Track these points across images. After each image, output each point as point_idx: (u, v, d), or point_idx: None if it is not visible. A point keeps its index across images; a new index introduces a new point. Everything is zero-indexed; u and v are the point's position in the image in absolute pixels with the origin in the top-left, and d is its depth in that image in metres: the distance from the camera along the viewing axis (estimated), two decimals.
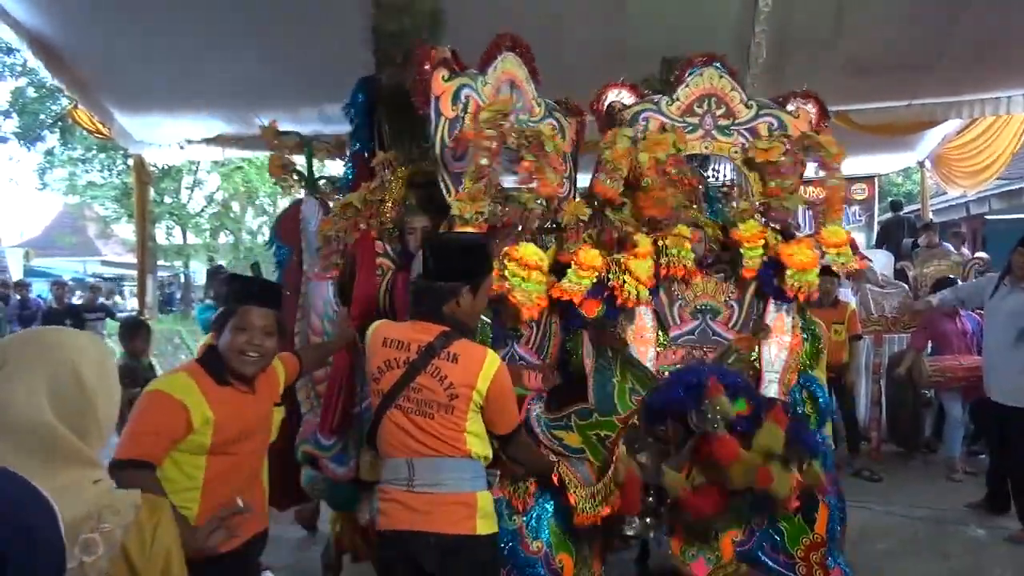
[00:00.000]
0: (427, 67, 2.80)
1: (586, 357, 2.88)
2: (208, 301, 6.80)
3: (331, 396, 3.09)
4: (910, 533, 4.77)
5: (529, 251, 2.78)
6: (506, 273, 2.72)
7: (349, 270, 3.17)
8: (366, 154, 3.50)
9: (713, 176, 3.69)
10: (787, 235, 3.19)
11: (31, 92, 15.91)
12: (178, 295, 22.24)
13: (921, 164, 9.80)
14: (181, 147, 7.60)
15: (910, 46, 5.80)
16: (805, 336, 3.30)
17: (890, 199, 12.05)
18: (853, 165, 9.81)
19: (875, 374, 6.62)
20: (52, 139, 16.74)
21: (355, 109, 3.58)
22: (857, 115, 7.14)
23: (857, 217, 10.11)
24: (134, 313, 9.16)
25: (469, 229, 2.76)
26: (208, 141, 7.58)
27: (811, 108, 3.40)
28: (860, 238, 9.92)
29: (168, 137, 7.51)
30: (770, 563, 3.04)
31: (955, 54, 5.84)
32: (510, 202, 2.81)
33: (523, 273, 2.74)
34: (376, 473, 2.56)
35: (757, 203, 3.19)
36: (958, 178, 9.34)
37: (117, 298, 20.73)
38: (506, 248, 2.78)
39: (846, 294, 6.65)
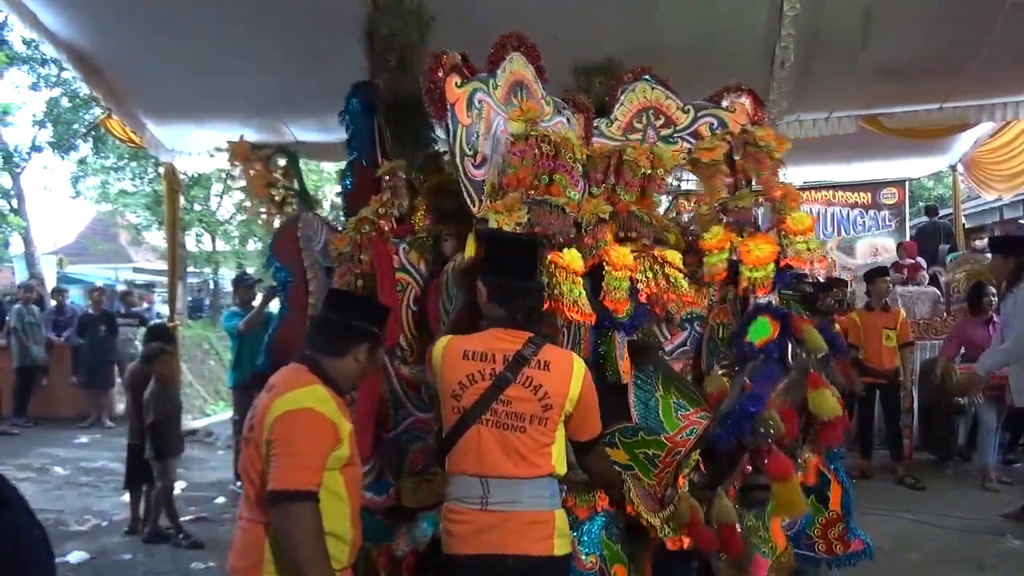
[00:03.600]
0: (440, 73, 2.72)
1: (619, 360, 2.79)
2: (234, 308, 6.84)
3: (363, 421, 2.96)
4: (943, 543, 4.69)
5: (574, 257, 2.68)
6: (554, 281, 2.62)
7: (370, 286, 3.09)
8: (365, 163, 3.44)
9: (675, 184, 3.69)
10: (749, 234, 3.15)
11: (65, 102, 16.19)
12: (207, 301, 22.49)
13: (953, 168, 9.65)
14: (211, 155, 7.69)
15: (942, 47, 5.72)
16: None
17: (924, 204, 11.87)
18: (883, 169, 9.71)
19: (908, 381, 6.55)
20: (85, 148, 17.01)
21: (351, 116, 3.48)
22: (887, 118, 7.06)
23: (887, 222, 9.97)
24: (163, 320, 9.32)
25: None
26: (229, 146, 7.67)
27: (746, 101, 3.38)
28: (890, 243, 9.79)
29: (198, 146, 7.64)
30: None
31: (990, 55, 5.74)
32: (543, 208, 2.73)
33: (571, 281, 2.64)
34: (419, 499, 2.54)
35: (716, 206, 3.16)
36: (993, 182, 9.19)
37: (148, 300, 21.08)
38: (550, 256, 2.66)
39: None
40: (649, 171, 2.96)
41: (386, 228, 3.13)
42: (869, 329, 6.37)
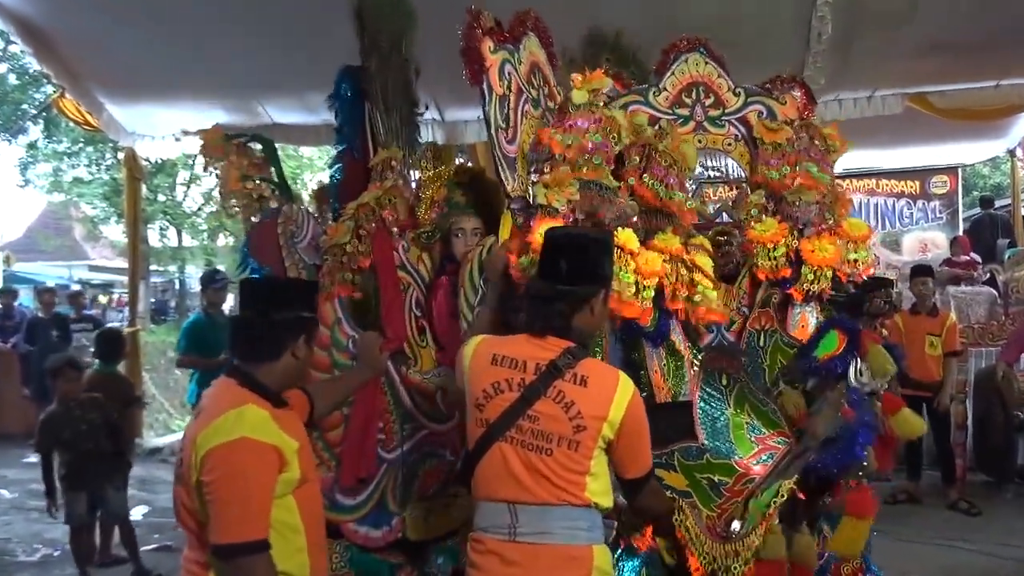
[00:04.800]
0: (478, 31, 2.71)
1: (652, 372, 2.77)
2: (198, 310, 6.85)
3: (357, 439, 2.96)
4: None
5: (629, 237, 2.67)
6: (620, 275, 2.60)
7: (367, 284, 3.10)
8: (355, 155, 3.47)
9: (715, 173, 3.70)
10: (803, 232, 3.18)
11: (12, 80, 16.26)
12: (172, 303, 22.55)
13: (1011, 153, 9.65)
14: (177, 139, 7.72)
15: (1000, 18, 5.71)
16: None
17: (979, 194, 11.85)
18: (933, 154, 9.71)
19: (960, 393, 6.54)
20: (35, 131, 17.09)
21: (340, 103, 3.51)
22: (937, 98, 7.07)
23: (937, 214, 9.96)
24: (123, 323, 9.33)
25: (554, 222, 2.62)
26: (200, 135, 7.70)
27: (797, 94, 3.41)
28: (940, 238, 9.79)
29: (162, 128, 7.66)
30: None
31: None
32: (594, 191, 2.71)
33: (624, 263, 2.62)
34: (429, 529, 2.51)
35: (765, 197, 3.18)
36: None
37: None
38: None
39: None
40: (679, 164, 2.99)
41: (389, 218, 3.14)
42: (912, 334, 6.35)
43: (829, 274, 2.96)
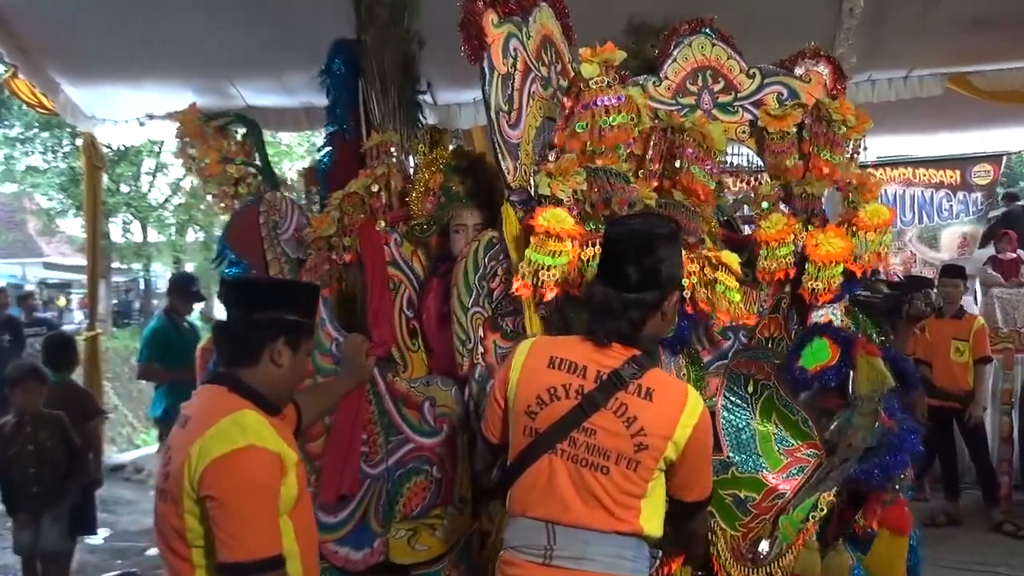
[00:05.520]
0: (479, 3, 2.71)
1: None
2: (160, 314, 6.78)
3: (339, 452, 2.95)
4: None
5: None
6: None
7: (353, 281, 3.11)
8: (347, 137, 3.47)
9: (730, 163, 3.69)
10: (816, 225, 3.16)
11: None
12: (136, 305, 22.53)
13: None
14: (141, 123, 7.67)
15: None
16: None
17: (1005, 190, 11.80)
18: (975, 141, 9.68)
19: (1005, 404, 6.54)
20: None
21: (332, 79, 3.52)
22: (979, 79, 7.04)
23: (979, 207, 9.94)
24: (81, 327, 9.27)
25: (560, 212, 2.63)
26: (175, 116, 7.68)
27: (824, 70, 3.38)
28: (982, 233, 9.75)
29: (126, 112, 7.61)
30: None
31: None
32: (603, 178, 2.71)
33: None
34: (415, 552, 2.50)
35: (777, 188, 3.17)
36: None
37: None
38: None
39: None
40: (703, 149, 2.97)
41: (377, 206, 3.13)
42: (937, 340, 6.36)
43: (838, 270, 2.94)
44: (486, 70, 2.73)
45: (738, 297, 2.75)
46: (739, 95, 3.28)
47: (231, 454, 1.98)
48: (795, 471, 2.68)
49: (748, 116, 3.28)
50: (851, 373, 2.69)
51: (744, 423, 2.73)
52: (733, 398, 2.77)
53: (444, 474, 2.91)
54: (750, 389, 2.77)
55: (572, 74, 3.19)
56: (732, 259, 2.78)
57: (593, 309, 2.26)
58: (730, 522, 2.64)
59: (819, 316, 3.07)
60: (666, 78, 3.26)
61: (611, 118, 2.72)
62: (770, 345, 3.03)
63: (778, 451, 2.70)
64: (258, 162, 3.54)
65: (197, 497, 1.99)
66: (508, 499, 2.27)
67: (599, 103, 2.73)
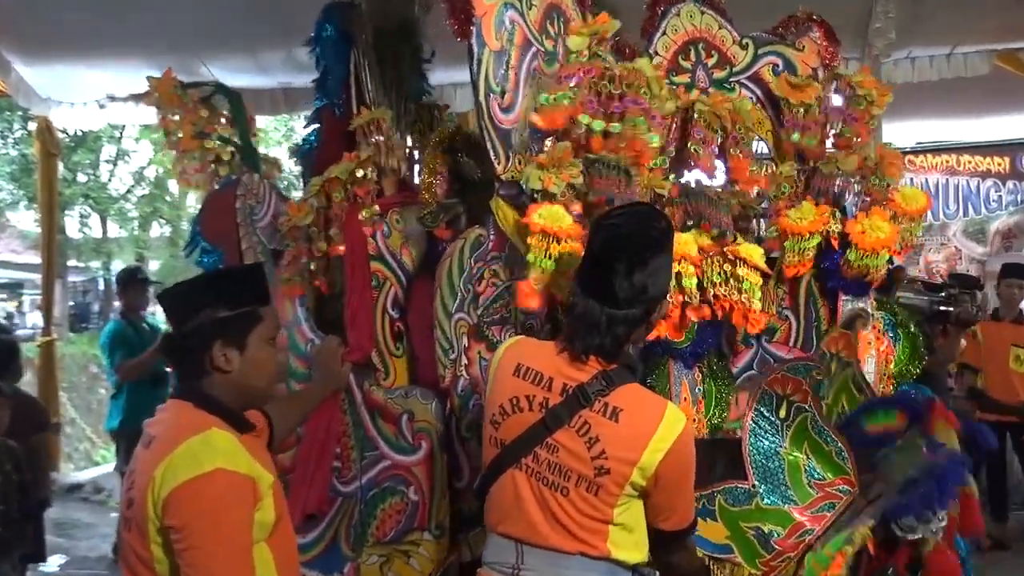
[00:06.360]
0: None
1: (681, 399, 2.77)
2: (116, 317, 6.78)
3: (308, 467, 2.96)
4: None
5: (689, 241, 2.70)
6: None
7: (337, 279, 3.10)
8: (338, 112, 3.47)
9: None
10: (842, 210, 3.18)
11: None
12: (96, 307, 22.50)
13: None
14: (101, 106, 7.69)
15: None
16: (894, 335, 3.25)
17: None
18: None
19: None
20: None
21: (323, 47, 3.50)
22: None
23: None
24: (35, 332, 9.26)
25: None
26: (137, 98, 7.68)
27: (816, 35, 3.38)
28: None
29: (84, 93, 7.63)
30: None
31: None
32: (600, 170, 2.70)
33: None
34: None
35: (796, 169, 3.18)
36: None
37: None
38: None
39: None
40: (729, 128, 2.98)
41: (362, 194, 3.11)
42: (993, 345, 6.35)
43: (884, 258, 2.97)
44: (475, 47, 2.70)
45: (759, 303, 2.78)
46: (734, 69, 3.28)
47: (197, 479, 1.95)
48: (825, 507, 2.67)
49: (746, 92, 3.28)
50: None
51: (773, 450, 2.72)
52: (762, 422, 2.75)
53: (420, 496, 2.91)
54: (782, 413, 2.75)
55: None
56: (754, 252, 2.79)
57: (573, 321, 2.24)
58: (750, 559, 2.64)
59: (848, 311, 3.08)
60: (657, 54, 3.24)
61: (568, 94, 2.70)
62: (834, 363, 3.02)
63: (807, 483, 2.69)
64: (238, 139, 3.53)
65: (161, 526, 1.97)
66: (484, 512, 2.32)
67: (567, 77, 2.73)
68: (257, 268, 2.48)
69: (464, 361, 2.86)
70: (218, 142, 3.40)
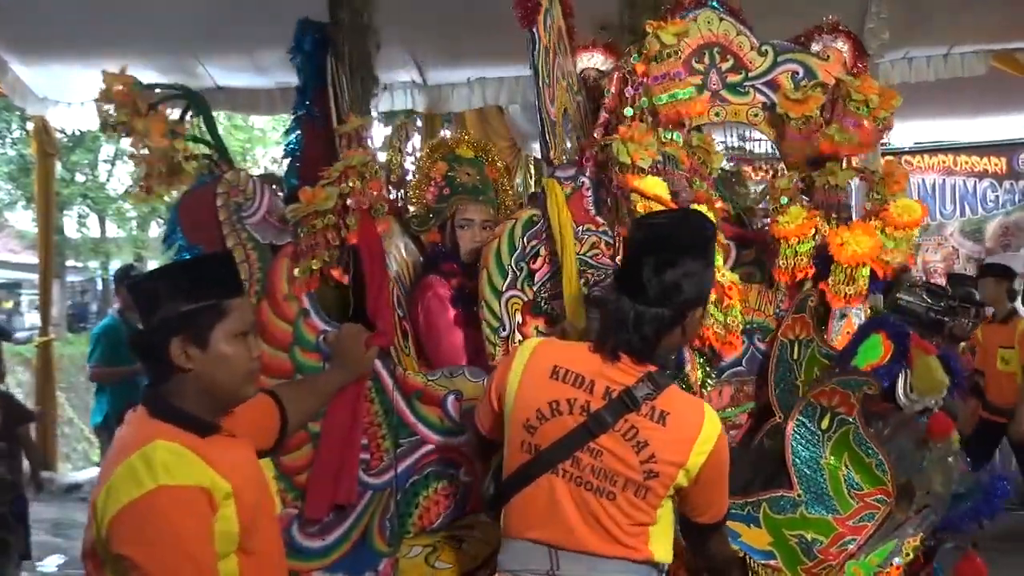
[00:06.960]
0: None
1: None
2: (112, 314, 6.80)
3: (332, 458, 2.82)
4: None
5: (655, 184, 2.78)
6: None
7: (355, 269, 3.01)
8: (316, 124, 3.48)
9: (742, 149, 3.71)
10: (840, 219, 3.17)
11: None
12: (94, 307, 22.52)
13: None
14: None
15: None
16: None
17: None
18: (1022, 125, 9.69)
19: None
20: None
21: (302, 59, 3.53)
22: None
23: None
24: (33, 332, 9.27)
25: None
26: (105, 77, 7.67)
27: (843, 46, 3.39)
28: None
29: (82, 93, 7.60)
30: None
31: None
32: (674, 162, 2.81)
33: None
34: (431, 573, 2.52)
35: (796, 181, 3.18)
36: None
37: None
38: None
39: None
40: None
41: (374, 194, 3.08)
42: (987, 347, 6.39)
43: (867, 272, 2.98)
44: (536, 37, 2.78)
45: (739, 312, 2.84)
46: (750, 74, 3.29)
47: (137, 502, 1.82)
48: (865, 517, 2.67)
49: (760, 98, 3.29)
50: (903, 373, 2.69)
51: (815, 460, 2.72)
52: (803, 431, 2.75)
53: (474, 477, 2.82)
54: (824, 425, 2.74)
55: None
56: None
57: (606, 317, 2.25)
58: (791, 565, 2.64)
59: (840, 320, 3.09)
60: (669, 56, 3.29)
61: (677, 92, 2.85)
62: (795, 348, 3.02)
63: (848, 494, 2.70)
64: (210, 139, 3.40)
65: (108, 555, 1.86)
66: (503, 518, 2.27)
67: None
68: (224, 258, 2.36)
69: (518, 338, 2.85)
70: (189, 142, 3.33)
